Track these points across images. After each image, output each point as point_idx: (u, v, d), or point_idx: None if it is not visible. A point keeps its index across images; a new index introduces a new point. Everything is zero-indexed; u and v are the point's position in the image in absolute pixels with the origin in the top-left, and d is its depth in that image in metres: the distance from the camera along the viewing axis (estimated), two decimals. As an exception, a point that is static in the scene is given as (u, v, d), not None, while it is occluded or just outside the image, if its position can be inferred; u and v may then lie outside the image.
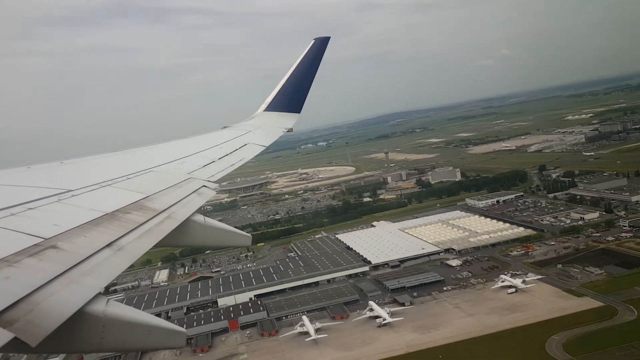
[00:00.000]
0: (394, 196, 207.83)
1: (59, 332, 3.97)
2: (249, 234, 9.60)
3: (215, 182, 10.80)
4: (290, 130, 20.08)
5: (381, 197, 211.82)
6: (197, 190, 9.57)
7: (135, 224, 6.64)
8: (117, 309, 4.82)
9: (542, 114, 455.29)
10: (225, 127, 19.26)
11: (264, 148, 16.35)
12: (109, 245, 5.69)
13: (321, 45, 21.64)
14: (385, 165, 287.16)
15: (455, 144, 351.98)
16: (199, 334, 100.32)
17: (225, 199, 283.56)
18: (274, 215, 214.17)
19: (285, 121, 20.61)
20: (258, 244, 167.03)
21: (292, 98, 21.35)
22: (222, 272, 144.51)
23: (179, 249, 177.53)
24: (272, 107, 21.13)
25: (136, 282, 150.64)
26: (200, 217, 8.29)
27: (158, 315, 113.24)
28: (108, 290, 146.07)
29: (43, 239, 5.28)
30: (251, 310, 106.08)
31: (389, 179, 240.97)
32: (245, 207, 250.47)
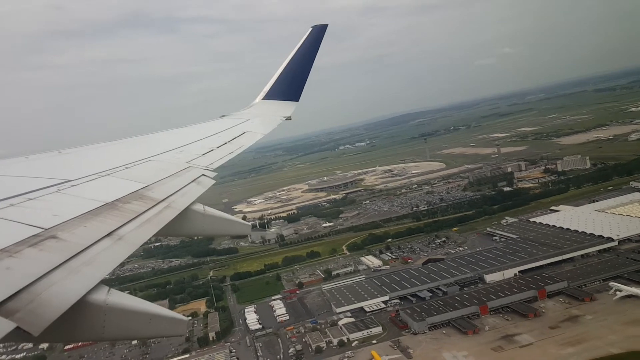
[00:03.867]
0: (536, 184, 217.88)
1: (60, 322, 4.08)
2: (248, 223, 9.97)
3: (214, 170, 10.95)
4: (288, 118, 20.05)
5: (520, 186, 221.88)
6: (196, 179, 9.66)
7: (135, 213, 6.72)
8: (118, 298, 4.97)
9: (594, 107, 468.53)
10: (223, 116, 19.34)
11: (263, 136, 16.56)
12: (108, 235, 5.74)
13: (319, 33, 21.63)
14: (493, 156, 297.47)
15: (533, 137, 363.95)
16: (512, 302, 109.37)
17: (333, 197, 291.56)
18: (416, 206, 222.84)
19: (283, 109, 20.60)
20: (452, 229, 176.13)
21: (290, 86, 21.39)
22: (440, 257, 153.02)
23: (360, 237, 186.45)
24: (270, 96, 21.23)
25: (352, 268, 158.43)
26: (199, 206, 8.41)
27: (432, 290, 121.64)
28: (330, 275, 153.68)
29: (43, 229, 5.33)
30: (549, 281, 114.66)
31: (509, 169, 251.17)
32: (367, 202, 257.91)
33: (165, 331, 5.49)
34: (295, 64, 21.27)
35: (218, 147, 13.19)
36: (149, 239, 6.51)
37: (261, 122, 18.16)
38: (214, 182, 10.09)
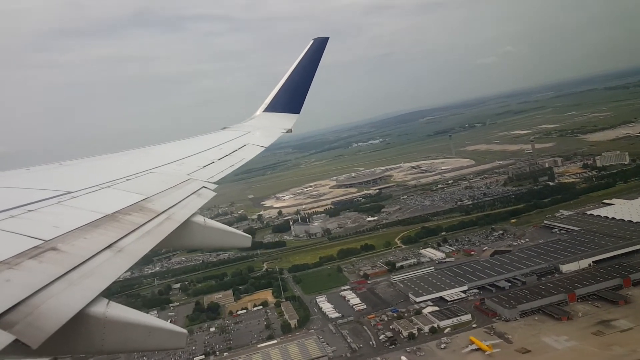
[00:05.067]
0: (579, 179, 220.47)
1: (60, 334, 4.04)
2: (249, 235, 9.94)
3: (214, 183, 11.02)
4: (289, 130, 20.17)
5: (562, 181, 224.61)
6: (196, 191, 9.71)
7: (135, 225, 6.76)
8: (118, 310, 4.93)
9: (611, 104, 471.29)
10: (224, 128, 19.59)
11: (264, 149, 16.67)
12: (109, 246, 5.79)
13: (320, 45, 21.88)
14: (526, 152, 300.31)
15: (558, 134, 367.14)
16: (598, 290, 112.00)
17: (366, 192, 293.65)
18: (460, 201, 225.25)
19: (284, 122, 20.78)
20: (510, 221, 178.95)
21: (291, 99, 21.54)
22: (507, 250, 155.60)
23: (413, 231, 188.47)
24: (271, 108, 21.40)
25: (415, 260, 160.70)
26: (200, 218, 8.45)
27: (509, 280, 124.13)
28: (395, 267, 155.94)
29: (43, 241, 5.34)
30: (631, 270, 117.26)
31: (546, 165, 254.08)
32: (405, 197, 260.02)
33: (165, 344, 5.50)
34: (296, 77, 21.54)
35: (219, 160, 13.28)
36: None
37: (262, 134, 18.43)
38: (214, 194, 10.20)
